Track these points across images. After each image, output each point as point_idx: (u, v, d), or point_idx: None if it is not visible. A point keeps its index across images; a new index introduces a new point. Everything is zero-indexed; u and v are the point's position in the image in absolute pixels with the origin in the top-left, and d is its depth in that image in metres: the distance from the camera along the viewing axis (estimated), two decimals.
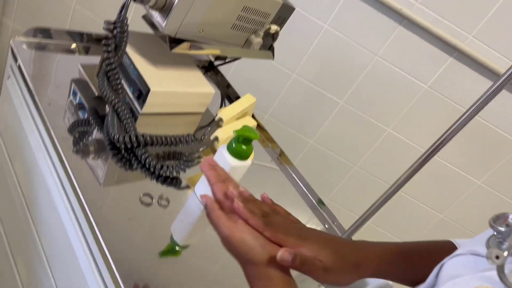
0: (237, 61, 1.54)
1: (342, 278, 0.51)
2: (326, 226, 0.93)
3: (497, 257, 0.37)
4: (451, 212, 1.72)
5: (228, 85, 1.13)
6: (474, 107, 0.64)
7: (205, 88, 0.90)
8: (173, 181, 0.77)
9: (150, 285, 0.61)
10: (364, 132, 1.61)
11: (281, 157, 1.02)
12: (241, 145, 0.68)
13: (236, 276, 0.70)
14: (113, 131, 0.75)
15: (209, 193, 0.71)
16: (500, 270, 0.37)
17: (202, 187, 0.75)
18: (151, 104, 0.83)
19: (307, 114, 1.62)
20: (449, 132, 0.67)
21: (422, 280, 0.51)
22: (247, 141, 0.68)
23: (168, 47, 0.80)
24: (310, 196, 0.97)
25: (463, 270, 0.43)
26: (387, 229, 1.82)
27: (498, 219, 0.43)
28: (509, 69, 0.60)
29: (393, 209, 1.73)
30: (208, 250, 0.73)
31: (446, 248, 0.56)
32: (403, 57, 1.44)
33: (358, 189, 1.75)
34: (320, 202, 0.97)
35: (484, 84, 1.43)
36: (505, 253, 0.38)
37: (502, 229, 0.42)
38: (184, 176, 0.80)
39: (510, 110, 1.46)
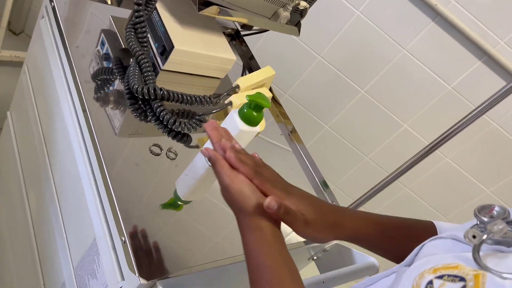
0: (264, 36, 1.55)
1: (320, 234, 0.54)
2: None
3: (474, 237, 0.38)
4: (455, 216, 1.72)
5: (252, 57, 1.14)
6: (483, 105, 0.64)
7: (227, 54, 0.92)
8: (183, 137, 0.80)
9: (146, 230, 0.64)
10: (380, 125, 1.61)
11: (292, 134, 1.04)
12: (252, 111, 0.69)
13: (226, 240, 0.73)
14: (133, 81, 0.77)
15: None
16: (476, 249, 0.38)
17: (210, 147, 0.78)
18: (173, 62, 0.86)
19: (326, 98, 1.62)
20: (454, 127, 0.68)
21: (398, 255, 0.54)
22: (259, 107, 0.70)
23: (197, 8, 0.82)
24: (315, 176, 0.98)
25: (441, 251, 0.45)
26: None
27: (483, 210, 0.45)
28: None
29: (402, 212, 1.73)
30: (206, 213, 0.76)
31: (427, 229, 0.58)
32: (430, 54, 1.42)
33: (365, 180, 1.76)
34: (324, 184, 0.98)
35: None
36: (484, 236, 0.40)
37: (485, 219, 0.43)
38: (194, 136, 0.83)
39: None
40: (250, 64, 1.13)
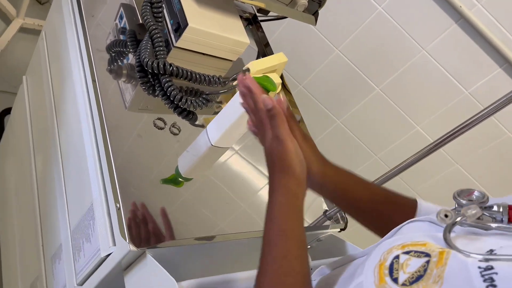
0: (283, 25, 1.54)
1: (310, 164, 0.57)
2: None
3: (446, 216, 0.38)
4: None
5: (267, 44, 1.14)
6: (492, 106, 0.63)
7: (241, 36, 0.92)
8: (188, 115, 0.81)
9: (142, 200, 0.66)
10: (393, 124, 1.60)
11: (299, 124, 1.04)
12: None
13: (221, 218, 0.74)
14: (145, 55, 0.78)
15: (223, 131, 0.75)
16: (447, 229, 0.38)
17: (214, 126, 0.79)
18: (186, 39, 0.86)
19: (341, 93, 1.61)
20: (460, 127, 0.67)
21: (380, 229, 0.55)
22: (265, 90, 0.70)
23: None
24: None
25: (417, 232, 0.45)
26: None
27: (462, 193, 0.45)
28: None
29: None
30: (205, 190, 0.77)
31: (412, 210, 0.58)
32: (450, 57, 1.40)
33: (372, 179, 1.75)
34: None
35: None
36: (458, 218, 0.40)
37: (463, 202, 0.43)
38: (200, 115, 0.84)
39: None
40: (264, 51, 1.13)
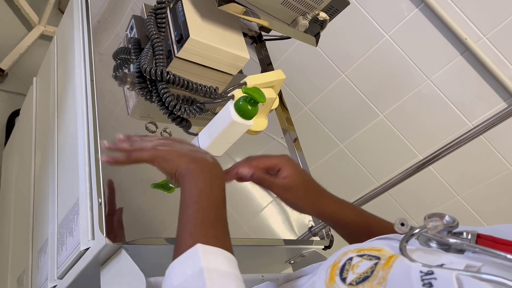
0: (292, 47, 1.58)
1: (300, 202, 0.59)
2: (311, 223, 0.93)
3: (402, 224, 0.39)
4: None
5: (270, 63, 1.17)
6: (482, 125, 0.65)
7: (241, 52, 0.95)
8: (182, 122, 0.84)
9: (125, 198, 0.67)
10: (396, 152, 1.60)
11: (295, 142, 1.05)
12: (247, 104, 0.72)
13: None
14: (144, 61, 0.82)
15: (212, 139, 0.77)
16: (404, 239, 0.39)
17: (205, 134, 0.81)
18: (187, 51, 0.89)
19: (345, 117, 1.63)
20: (450, 145, 0.69)
21: None
22: (254, 102, 0.72)
23: (216, 3, 0.86)
24: None
25: (378, 241, 0.46)
26: None
27: (434, 216, 0.45)
28: None
29: None
30: None
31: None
32: (455, 89, 1.41)
33: (372, 209, 1.74)
34: None
35: None
36: (417, 230, 0.40)
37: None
38: (195, 124, 0.86)
39: None
40: (267, 69, 1.16)
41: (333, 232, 0.90)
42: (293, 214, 0.88)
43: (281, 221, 0.87)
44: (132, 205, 0.69)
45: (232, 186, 0.87)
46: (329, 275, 0.39)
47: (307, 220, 0.89)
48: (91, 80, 0.76)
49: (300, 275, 0.58)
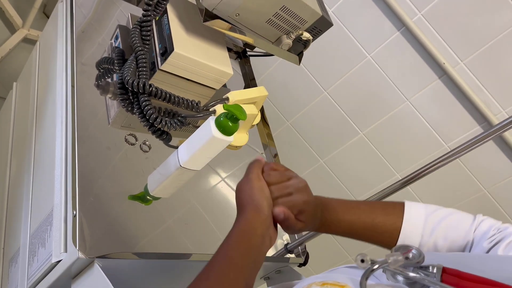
0: (276, 63, 1.60)
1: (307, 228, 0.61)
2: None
3: (362, 261, 0.40)
4: None
5: (253, 79, 1.19)
6: (458, 149, 0.68)
7: (225, 67, 0.96)
8: (162, 135, 0.84)
9: (101, 211, 0.67)
10: (375, 171, 1.62)
11: (275, 158, 1.06)
12: (228, 121, 0.73)
13: (178, 236, 0.75)
14: (127, 73, 0.82)
15: (192, 153, 0.77)
16: (365, 274, 0.40)
17: (185, 148, 0.81)
18: (171, 64, 0.90)
19: (326, 134, 1.65)
20: (428, 166, 0.72)
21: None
22: (235, 119, 0.73)
23: (202, 19, 0.87)
24: None
25: (345, 274, 0.47)
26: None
27: (400, 249, 0.46)
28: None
29: None
30: (181, 211, 0.79)
31: (391, 238, 0.61)
32: (433, 111, 1.44)
33: None
34: None
35: (508, 167, 1.40)
36: (376, 266, 0.41)
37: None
38: (176, 136, 0.87)
39: None
40: (250, 84, 1.17)
41: (309, 249, 0.91)
42: None
43: None
44: (108, 218, 0.68)
45: (213, 198, 0.88)
46: None
47: (283, 237, 0.89)
48: (72, 89, 0.76)
49: None
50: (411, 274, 0.41)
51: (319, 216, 0.62)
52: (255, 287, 0.94)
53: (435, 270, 0.42)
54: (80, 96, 0.76)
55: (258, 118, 1.05)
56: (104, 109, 0.84)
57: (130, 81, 0.80)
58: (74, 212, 0.62)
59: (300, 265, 0.89)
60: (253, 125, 1.06)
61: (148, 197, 0.80)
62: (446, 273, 0.42)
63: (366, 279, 0.39)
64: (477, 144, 0.71)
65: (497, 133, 0.63)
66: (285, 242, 0.88)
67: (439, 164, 0.75)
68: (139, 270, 0.70)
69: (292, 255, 0.87)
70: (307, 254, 0.88)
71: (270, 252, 0.86)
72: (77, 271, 0.63)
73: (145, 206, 0.78)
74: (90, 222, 0.65)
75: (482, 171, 1.44)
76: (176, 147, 0.88)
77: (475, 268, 0.41)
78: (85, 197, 0.66)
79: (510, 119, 0.61)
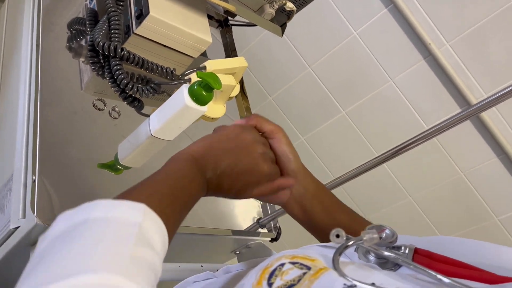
0: (260, 36, 1.56)
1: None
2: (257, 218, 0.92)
3: (337, 236, 0.38)
4: None
5: (234, 50, 1.15)
6: (434, 128, 0.67)
7: (203, 34, 0.92)
8: (134, 102, 0.80)
9: (62, 177, 0.64)
10: (355, 150, 1.62)
11: None
12: (201, 89, 0.70)
13: None
14: (98, 36, 0.77)
15: (163, 121, 0.74)
16: (338, 251, 0.38)
17: (156, 116, 0.78)
18: (146, 28, 0.86)
19: (308, 111, 1.63)
20: (404, 144, 0.71)
21: None
22: (209, 88, 0.70)
23: None
24: None
25: (315, 249, 0.45)
26: None
27: (373, 228, 0.45)
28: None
29: None
30: (132, 178, 0.76)
31: None
32: (416, 92, 1.43)
33: None
34: None
35: (486, 152, 1.40)
36: (350, 242, 0.39)
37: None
38: (149, 104, 0.83)
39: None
40: (230, 55, 1.13)
41: (281, 224, 0.90)
42: (241, 205, 0.87)
43: (228, 211, 0.86)
44: (73, 185, 0.65)
45: None
46: (258, 278, 0.38)
47: (255, 211, 0.88)
48: (37, 49, 0.71)
49: (238, 269, 0.57)
50: (385, 253, 0.40)
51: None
52: (226, 261, 0.93)
53: (407, 251, 0.42)
54: (49, 58, 0.72)
55: (236, 90, 1.02)
56: (77, 73, 0.80)
57: (101, 44, 0.76)
58: (34, 177, 0.60)
59: (272, 240, 0.88)
60: (232, 97, 1.03)
61: (118, 166, 0.77)
62: (418, 254, 0.41)
63: (340, 254, 0.37)
64: (453, 124, 0.70)
65: (474, 114, 0.61)
66: (257, 217, 0.87)
67: (416, 143, 0.74)
68: None
69: (264, 230, 0.86)
70: (279, 229, 0.88)
71: (242, 226, 0.85)
72: (36, 238, 0.61)
73: (114, 175, 0.75)
74: (52, 189, 0.62)
75: (460, 154, 1.44)
76: (148, 115, 0.85)
77: (449, 251, 0.40)
78: (47, 163, 0.63)
79: (487, 100, 0.59)
